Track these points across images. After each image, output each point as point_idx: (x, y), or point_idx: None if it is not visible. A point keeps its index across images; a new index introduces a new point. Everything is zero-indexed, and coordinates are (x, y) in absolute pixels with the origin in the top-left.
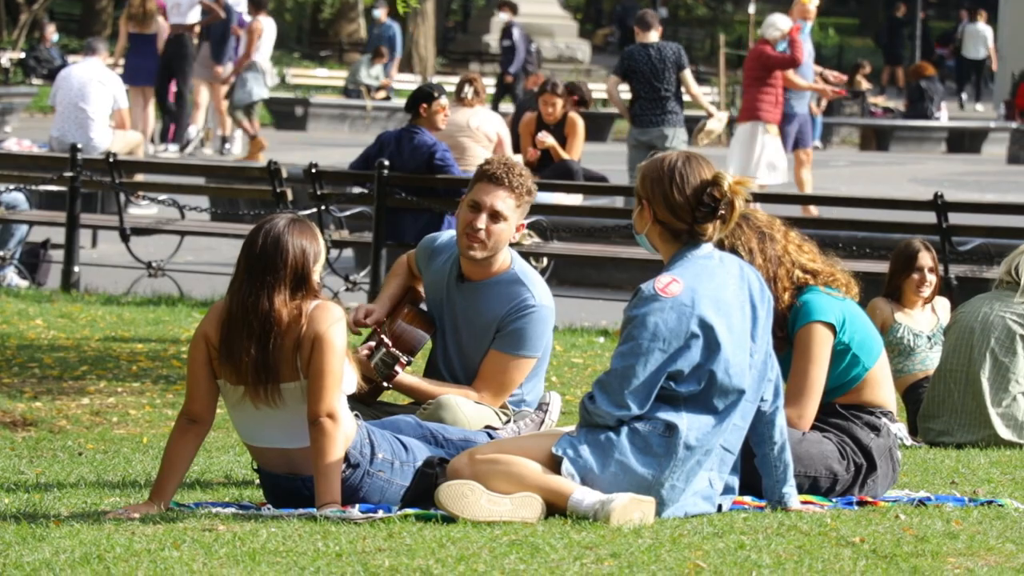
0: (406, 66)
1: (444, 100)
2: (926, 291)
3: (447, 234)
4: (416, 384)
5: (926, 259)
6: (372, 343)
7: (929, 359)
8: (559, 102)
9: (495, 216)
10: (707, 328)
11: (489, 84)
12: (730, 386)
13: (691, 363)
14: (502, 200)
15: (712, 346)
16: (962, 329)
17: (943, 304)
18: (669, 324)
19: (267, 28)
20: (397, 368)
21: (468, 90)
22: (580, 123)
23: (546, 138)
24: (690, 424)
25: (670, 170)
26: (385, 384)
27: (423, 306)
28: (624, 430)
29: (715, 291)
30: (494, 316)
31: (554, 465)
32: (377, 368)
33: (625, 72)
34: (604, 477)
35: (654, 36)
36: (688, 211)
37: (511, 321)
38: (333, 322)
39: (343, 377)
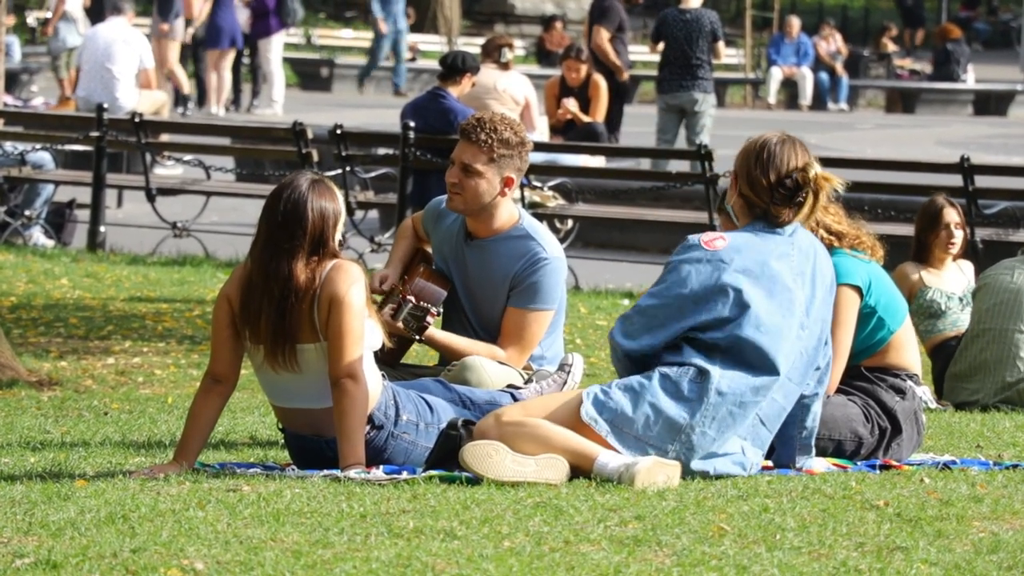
0: (431, 27)
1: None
2: (955, 248)
3: None
4: (447, 340)
5: (952, 215)
6: (394, 303)
7: (961, 320)
8: (583, 68)
9: (466, 170)
10: (737, 286)
11: (517, 46)
12: (761, 343)
13: (717, 315)
14: (470, 155)
15: (740, 303)
16: (996, 291)
17: (968, 267)
18: (701, 275)
19: None
20: (429, 319)
21: (509, 55)
22: (603, 85)
23: (569, 105)
24: (722, 373)
25: (761, 147)
26: (417, 337)
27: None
28: (656, 375)
29: (762, 255)
30: (506, 272)
31: (581, 423)
32: (407, 323)
33: (658, 36)
34: (636, 418)
35: (695, 1)
36: (767, 191)
37: (525, 276)
38: (352, 283)
39: (363, 337)
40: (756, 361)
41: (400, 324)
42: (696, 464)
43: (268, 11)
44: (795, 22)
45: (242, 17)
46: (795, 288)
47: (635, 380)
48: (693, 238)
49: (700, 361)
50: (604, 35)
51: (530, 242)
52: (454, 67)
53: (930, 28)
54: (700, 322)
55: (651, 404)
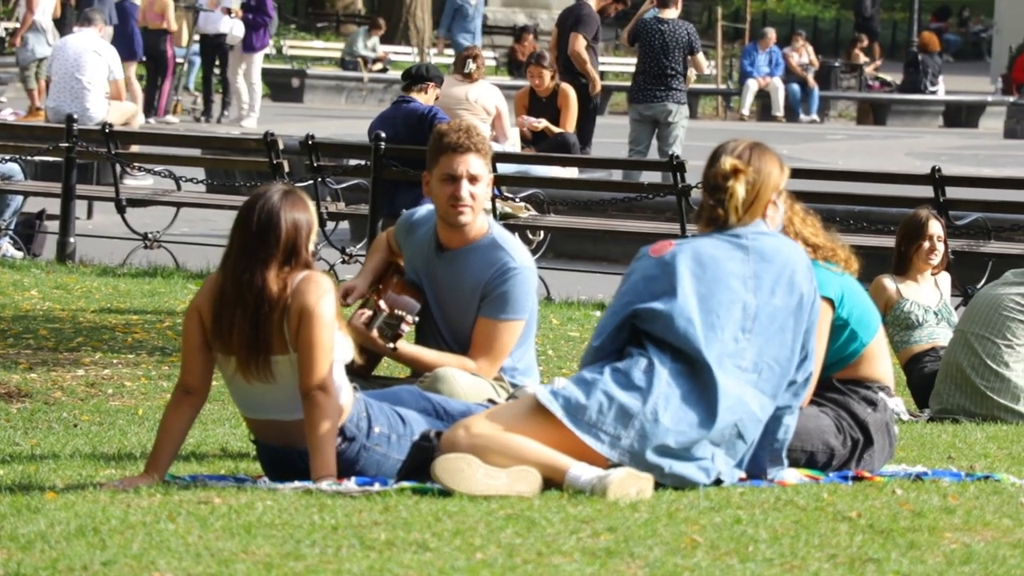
0: (403, 38)
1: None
2: (935, 259)
3: (424, 208)
4: (416, 353)
5: (936, 227)
6: (368, 312)
7: (936, 333)
8: (546, 74)
9: (473, 180)
10: (674, 284)
11: (488, 56)
12: (692, 336)
13: (652, 307)
14: (474, 164)
15: (675, 298)
16: (979, 298)
17: (945, 280)
18: (644, 278)
19: None
20: (403, 327)
21: (472, 65)
22: (573, 94)
23: (537, 122)
24: (671, 366)
25: (713, 151)
26: (391, 346)
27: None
28: (607, 370)
29: (708, 256)
30: (476, 282)
31: (538, 412)
32: (381, 331)
33: (634, 40)
34: (590, 404)
35: (672, 13)
36: (705, 192)
37: (495, 286)
38: (321, 294)
39: (333, 348)
40: (692, 354)
41: (374, 333)
42: (651, 456)
43: (264, 25)
44: (771, 33)
45: (226, 27)
46: (741, 291)
47: (587, 374)
48: (643, 249)
49: (648, 352)
50: (581, 42)
51: (499, 252)
52: (418, 76)
53: (900, 40)
54: (638, 310)
55: (604, 392)
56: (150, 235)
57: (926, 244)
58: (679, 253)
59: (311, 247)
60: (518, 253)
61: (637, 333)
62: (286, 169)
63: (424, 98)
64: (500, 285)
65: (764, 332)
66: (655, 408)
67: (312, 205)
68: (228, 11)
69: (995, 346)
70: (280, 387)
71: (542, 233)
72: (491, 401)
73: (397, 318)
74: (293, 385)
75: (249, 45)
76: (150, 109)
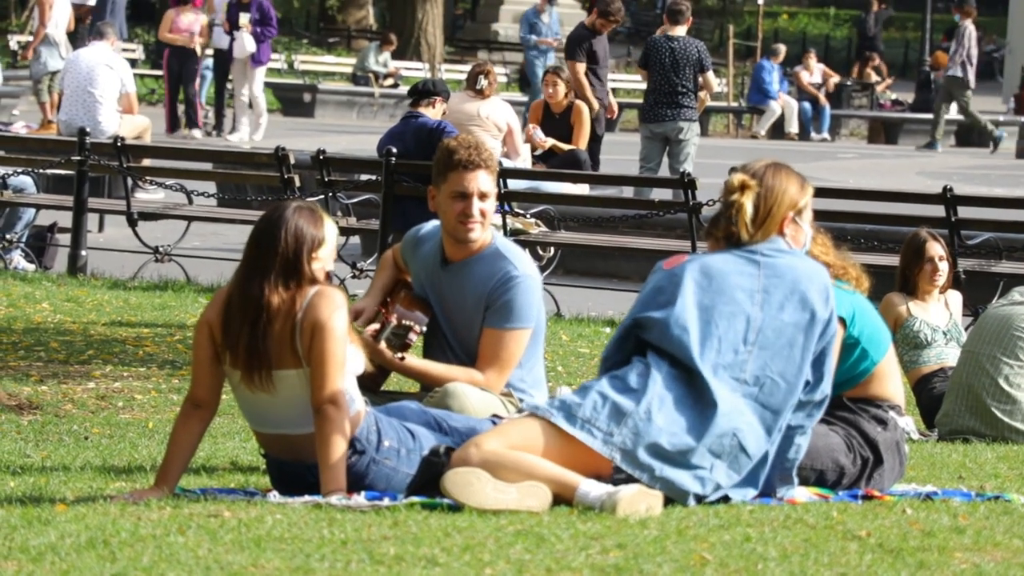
0: (414, 53)
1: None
2: (940, 280)
3: (430, 224)
4: (424, 367)
5: (935, 248)
6: (376, 325)
7: (945, 353)
8: (561, 85)
9: (483, 197)
10: (676, 293)
11: (500, 73)
12: (686, 342)
13: (650, 315)
14: (484, 181)
15: (675, 305)
16: (988, 316)
17: (956, 299)
18: (654, 289)
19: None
20: (412, 337)
21: (484, 81)
22: (586, 111)
23: (544, 140)
24: (668, 371)
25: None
26: (400, 356)
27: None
28: (605, 377)
29: (717, 269)
30: (480, 293)
31: (537, 421)
32: (389, 342)
33: (646, 63)
34: (585, 403)
35: (682, 30)
36: (722, 209)
37: (498, 295)
38: (334, 309)
39: (345, 363)
40: (687, 362)
41: (382, 344)
42: (643, 456)
43: (268, 38)
44: (781, 48)
45: (225, 41)
46: (746, 303)
47: (586, 383)
48: (659, 263)
49: (647, 360)
50: (578, 68)
51: (502, 261)
52: (425, 91)
53: (912, 59)
54: (639, 319)
55: (598, 392)
56: (161, 249)
57: (928, 267)
58: (688, 265)
59: (320, 264)
60: (520, 262)
61: (643, 345)
62: (297, 184)
63: (432, 112)
64: (503, 294)
65: (770, 346)
66: (648, 408)
67: (329, 222)
68: (236, 26)
69: (1008, 367)
70: (289, 401)
71: (552, 249)
72: (496, 416)
73: (405, 328)
74: (301, 399)
75: (255, 59)
76: (178, 123)
